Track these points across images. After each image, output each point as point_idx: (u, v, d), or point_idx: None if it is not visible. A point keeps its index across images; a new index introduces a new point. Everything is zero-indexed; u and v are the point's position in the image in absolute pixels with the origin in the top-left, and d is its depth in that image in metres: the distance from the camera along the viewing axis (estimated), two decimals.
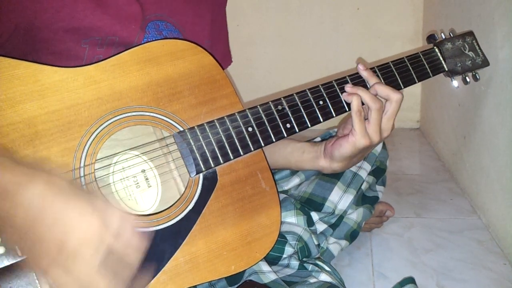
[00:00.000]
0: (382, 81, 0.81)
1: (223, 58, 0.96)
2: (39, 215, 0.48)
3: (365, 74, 0.80)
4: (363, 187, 0.98)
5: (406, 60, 0.84)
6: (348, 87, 0.78)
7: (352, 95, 0.76)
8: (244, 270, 0.76)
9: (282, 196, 0.95)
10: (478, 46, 0.94)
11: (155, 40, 0.76)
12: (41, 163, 0.59)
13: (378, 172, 1.02)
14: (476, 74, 0.93)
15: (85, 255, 0.49)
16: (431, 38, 0.92)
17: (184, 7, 0.84)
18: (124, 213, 0.53)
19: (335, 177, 0.95)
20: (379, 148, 1.01)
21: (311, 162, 0.86)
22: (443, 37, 0.92)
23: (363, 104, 0.76)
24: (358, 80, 0.80)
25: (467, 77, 0.93)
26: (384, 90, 0.77)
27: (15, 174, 0.49)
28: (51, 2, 0.69)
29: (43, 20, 0.69)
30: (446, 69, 0.90)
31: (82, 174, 0.61)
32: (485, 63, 0.94)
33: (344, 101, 0.78)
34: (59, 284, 0.50)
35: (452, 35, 0.93)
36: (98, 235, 0.49)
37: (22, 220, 0.48)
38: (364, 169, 0.97)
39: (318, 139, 1.04)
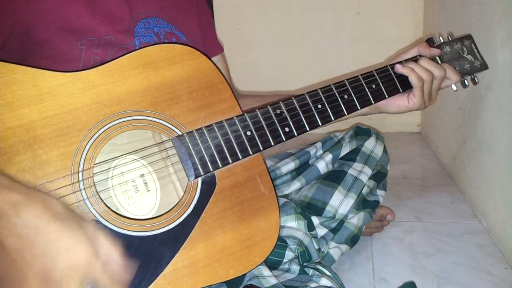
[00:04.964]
0: (381, 85, 0.82)
1: (214, 47, 0.99)
2: (33, 238, 0.47)
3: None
4: (364, 191, 0.98)
5: (404, 63, 0.84)
6: (399, 66, 0.85)
7: (406, 69, 0.84)
8: (244, 274, 0.75)
9: (283, 200, 0.95)
10: (477, 49, 0.94)
11: (148, 42, 0.78)
12: (38, 187, 0.58)
13: (379, 177, 1.02)
14: (475, 78, 0.93)
15: (71, 283, 0.48)
16: (429, 41, 0.92)
17: (171, 3, 0.86)
18: (113, 245, 0.52)
19: (336, 181, 0.95)
20: (380, 152, 1.01)
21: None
22: (442, 40, 0.92)
23: None
24: (356, 84, 0.80)
25: (466, 81, 0.93)
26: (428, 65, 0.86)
27: (12, 194, 0.49)
28: (44, 3, 0.70)
29: (38, 21, 0.69)
30: None
31: (81, 179, 0.61)
32: (484, 66, 0.93)
33: (342, 104, 0.78)
34: None
35: (450, 39, 0.93)
36: (87, 264, 0.48)
37: (14, 242, 0.47)
38: (365, 174, 0.97)
39: (319, 144, 1.04)
